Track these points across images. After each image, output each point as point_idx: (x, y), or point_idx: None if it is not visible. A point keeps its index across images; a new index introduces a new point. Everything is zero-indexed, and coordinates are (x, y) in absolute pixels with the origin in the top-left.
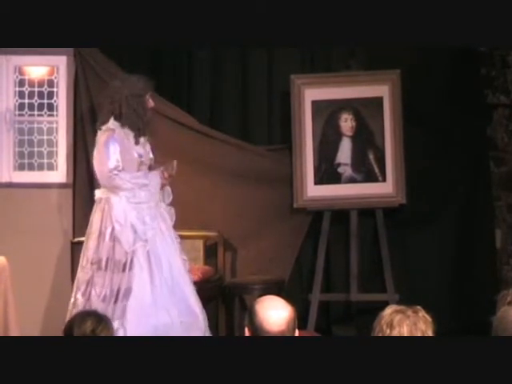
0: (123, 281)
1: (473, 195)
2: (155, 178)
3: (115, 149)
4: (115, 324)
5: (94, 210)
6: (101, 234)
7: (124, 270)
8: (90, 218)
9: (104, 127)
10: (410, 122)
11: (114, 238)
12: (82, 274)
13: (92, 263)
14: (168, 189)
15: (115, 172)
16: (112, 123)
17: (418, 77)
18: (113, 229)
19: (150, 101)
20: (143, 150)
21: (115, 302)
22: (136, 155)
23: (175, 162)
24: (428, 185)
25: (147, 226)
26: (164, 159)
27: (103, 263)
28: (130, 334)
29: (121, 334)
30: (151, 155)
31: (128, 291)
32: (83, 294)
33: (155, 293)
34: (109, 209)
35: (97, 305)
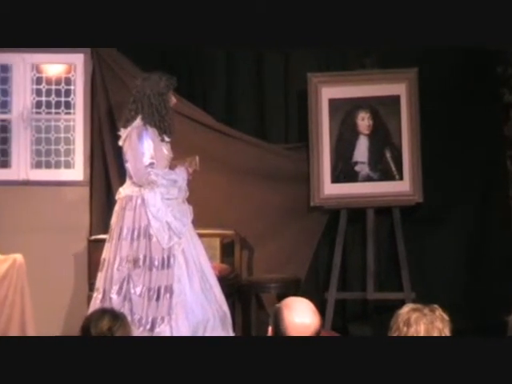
0: (163, 278)
1: (489, 194)
2: (182, 175)
3: (149, 144)
4: (165, 320)
5: (120, 208)
6: (134, 232)
7: (163, 267)
8: (117, 217)
9: (131, 125)
10: (426, 121)
11: (148, 236)
12: (116, 273)
13: (127, 261)
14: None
15: (150, 168)
16: (138, 122)
17: (434, 76)
18: (148, 226)
19: (173, 98)
20: (168, 147)
21: (157, 299)
22: (166, 152)
23: (197, 158)
24: (444, 183)
25: (181, 223)
26: (181, 157)
27: (140, 261)
28: (179, 331)
29: (167, 330)
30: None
31: (168, 288)
32: (118, 293)
33: (193, 290)
34: (143, 206)
35: (138, 303)
